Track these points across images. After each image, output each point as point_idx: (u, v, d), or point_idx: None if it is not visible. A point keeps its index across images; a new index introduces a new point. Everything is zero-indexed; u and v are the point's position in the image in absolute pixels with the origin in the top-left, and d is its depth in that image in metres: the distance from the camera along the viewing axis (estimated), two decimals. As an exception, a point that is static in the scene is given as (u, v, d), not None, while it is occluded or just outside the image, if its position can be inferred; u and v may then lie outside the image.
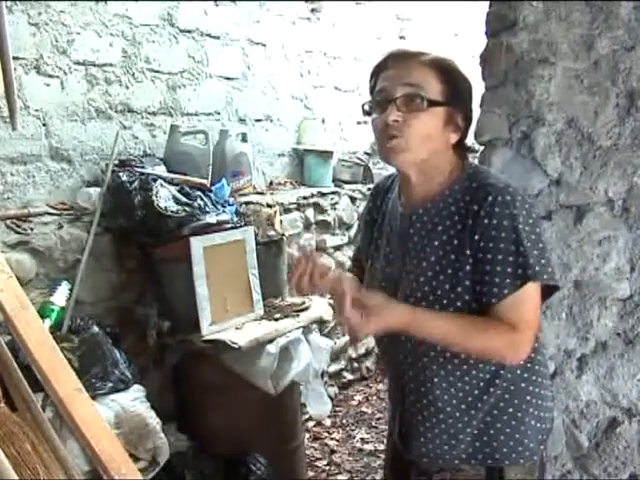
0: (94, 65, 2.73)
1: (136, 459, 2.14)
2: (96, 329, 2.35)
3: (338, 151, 4.07)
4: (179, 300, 2.57)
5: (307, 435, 3.30)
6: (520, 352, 1.36)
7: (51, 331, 2.15)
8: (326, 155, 3.85)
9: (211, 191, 2.77)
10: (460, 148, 1.45)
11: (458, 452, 1.44)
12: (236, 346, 2.39)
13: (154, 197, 2.51)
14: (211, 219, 2.59)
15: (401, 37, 4.64)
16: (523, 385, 1.44)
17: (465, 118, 1.43)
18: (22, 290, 1.96)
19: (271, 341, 2.50)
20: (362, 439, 3.36)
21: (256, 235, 2.72)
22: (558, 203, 1.91)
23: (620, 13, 1.77)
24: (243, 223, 2.74)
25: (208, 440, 2.53)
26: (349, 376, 3.99)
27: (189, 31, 3.15)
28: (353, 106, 4.21)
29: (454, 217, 1.39)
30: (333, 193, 3.84)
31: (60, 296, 2.39)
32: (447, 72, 1.41)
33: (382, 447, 3.13)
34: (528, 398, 1.44)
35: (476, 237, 1.34)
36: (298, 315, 2.69)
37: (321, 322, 2.92)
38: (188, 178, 2.75)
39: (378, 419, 3.58)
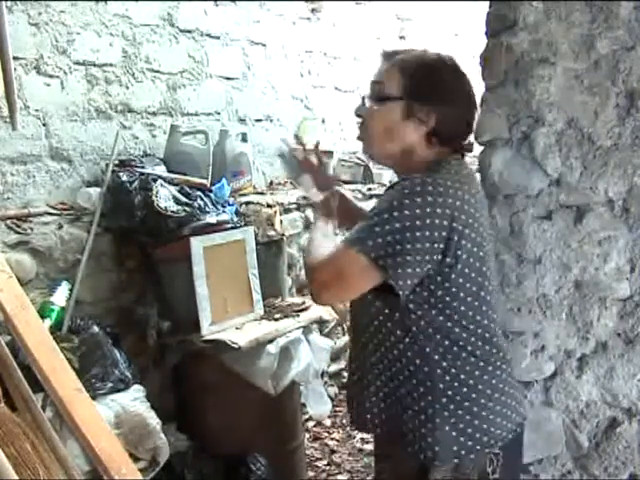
0: (94, 65, 2.73)
1: (136, 459, 2.14)
2: (96, 329, 2.35)
3: (338, 151, 4.07)
4: (179, 300, 2.57)
5: (307, 435, 3.30)
6: (309, 283, 1.46)
7: (51, 331, 2.15)
8: (326, 155, 3.84)
9: (211, 191, 2.77)
10: (438, 140, 1.46)
11: (387, 426, 1.49)
12: (236, 346, 2.39)
13: (154, 197, 2.51)
14: (211, 219, 2.59)
15: (401, 37, 4.64)
16: (441, 387, 1.42)
17: (437, 113, 1.43)
18: (22, 290, 1.97)
19: (271, 341, 2.50)
20: (362, 439, 3.36)
21: (256, 235, 2.72)
22: (558, 203, 1.91)
23: (620, 13, 1.77)
24: (243, 223, 2.74)
25: (208, 440, 2.53)
26: (349, 376, 3.99)
27: (189, 31, 3.15)
28: (353, 106, 4.21)
29: None
30: (333, 193, 3.83)
31: (60, 296, 2.39)
32: (411, 68, 1.45)
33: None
34: (444, 400, 1.42)
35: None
36: (298, 315, 2.69)
37: (321, 322, 2.92)
38: (188, 178, 2.75)
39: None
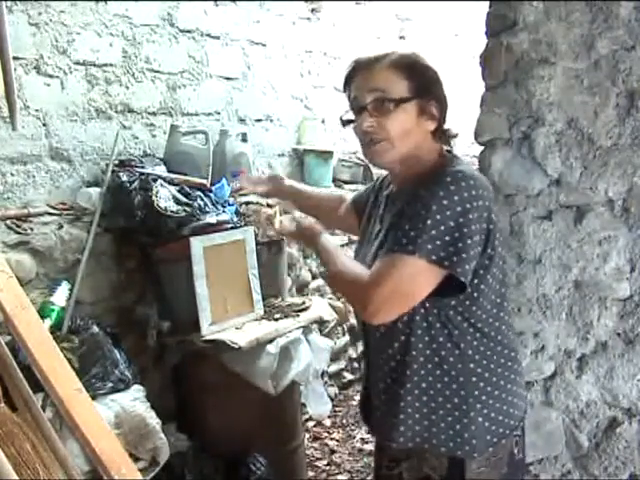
0: (94, 65, 2.73)
1: (136, 459, 2.14)
2: (96, 329, 2.35)
3: (338, 151, 4.07)
4: (179, 300, 2.57)
5: (307, 435, 3.30)
6: (366, 309, 1.37)
7: (51, 331, 2.15)
8: (326, 155, 3.85)
9: (211, 191, 2.77)
10: (439, 133, 1.49)
11: (413, 433, 1.46)
12: (236, 346, 2.39)
13: (154, 197, 2.51)
14: (211, 219, 2.59)
15: (401, 37, 4.64)
16: (474, 379, 1.44)
17: (439, 105, 1.47)
18: (22, 290, 1.96)
19: (271, 341, 2.50)
20: (362, 439, 3.36)
21: (256, 235, 2.71)
22: (558, 203, 1.91)
23: (620, 13, 1.77)
24: (243, 223, 2.74)
25: (208, 440, 2.53)
26: (349, 376, 3.99)
27: (189, 31, 3.15)
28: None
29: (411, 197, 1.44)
30: (333, 193, 3.84)
31: (60, 296, 2.39)
32: (409, 67, 1.46)
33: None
34: (477, 393, 1.44)
35: (406, 207, 1.39)
36: (298, 315, 2.69)
37: (321, 322, 2.92)
38: (188, 178, 2.75)
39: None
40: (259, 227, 2.82)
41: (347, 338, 3.99)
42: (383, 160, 1.48)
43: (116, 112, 2.83)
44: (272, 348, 2.48)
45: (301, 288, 3.64)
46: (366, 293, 1.36)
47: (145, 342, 2.61)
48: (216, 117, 3.34)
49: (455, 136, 1.53)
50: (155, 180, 2.59)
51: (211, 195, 2.74)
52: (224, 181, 2.91)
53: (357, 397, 3.84)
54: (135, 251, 2.65)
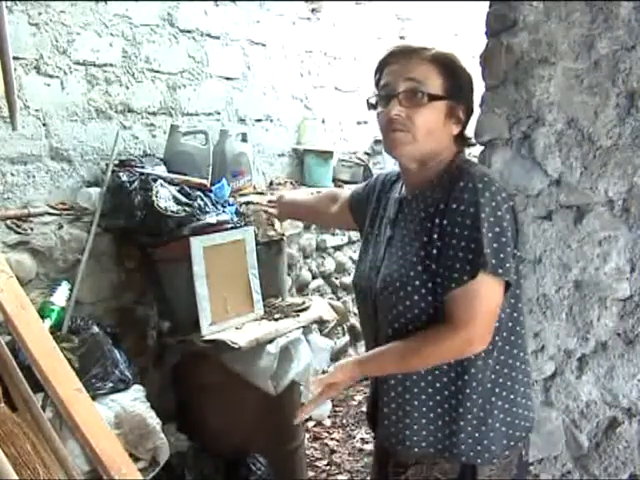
0: (94, 65, 2.73)
1: (136, 459, 2.14)
2: (96, 329, 2.35)
3: (338, 151, 4.07)
4: (179, 300, 2.57)
5: (307, 435, 3.30)
6: (472, 347, 1.37)
7: (51, 331, 2.15)
8: (326, 155, 3.85)
9: (211, 191, 2.77)
10: (460, 139, 1.49)
11: (428, 443, 1.45)
12: (236, 346, 2.39)
13: (154, 197, 2.51)
14: (211, 219, 2.59)
15: (401, 37, 4.64)
16: (490, 386, 1.43)
17: (466, 111, 1.47)
18: (22, 290, 1.96)
19: (271, 341, 2.50)
20: (362, 439, 3.36)
21: (256, 235, 2.71)
22: (558, 203, 1.91)
23: (620, 13, 1.77)
24: (243, 223, 2.74)
25: (208, 440, 2.53)
26: (349, 376, 3.99)
27: (189, 31, 3.15)
28: (353, 106, 4.22)
29: (434, 203, 1.42)
30: (333, 193, 3.84)
31: (60, 296, 2.39)
32: (447, 67, 1.44)
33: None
34: (493, 400, 1.43)
35: (444, 222, 1.37)
36: (298, 315, 2.69)
37: (321, 322, 2.92)
38: (188, 178, 2.75)
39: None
40: (259, 227, 2.82)
41: (347, 338, 3.99)
42: (402, 151, 1.44)
43: (116, 112, 2.83)
44: (272, 348, 2.48)
45: (301, 288, 3.64)
46: (466, 335, 1.35)
47: (145, 342, 2.61)
48: (216, 117, 3.34)
49: (474, 144, 1.53)
50: (155, 180, 2.60)
51: (211, 195, 2.74)
52: (224, 181, 2.91)
53: (357, 397, 3.84)
54: (135, 251, 2.65)
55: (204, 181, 2.80)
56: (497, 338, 1.43)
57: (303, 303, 2.81)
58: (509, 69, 1.92)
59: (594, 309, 1.90)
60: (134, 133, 2.93)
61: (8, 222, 2.35)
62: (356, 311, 3.97)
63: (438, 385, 1.43)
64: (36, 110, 2.53)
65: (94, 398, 2.09)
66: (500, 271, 1.34)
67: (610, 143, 1.82)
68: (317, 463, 3.16)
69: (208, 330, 2.48)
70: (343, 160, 4.08)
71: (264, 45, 3.62)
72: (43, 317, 2.18)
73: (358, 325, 4.01)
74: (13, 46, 1.99)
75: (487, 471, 1.43)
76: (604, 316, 1.89)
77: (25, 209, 2.45)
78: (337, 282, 3.97)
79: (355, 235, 3.87)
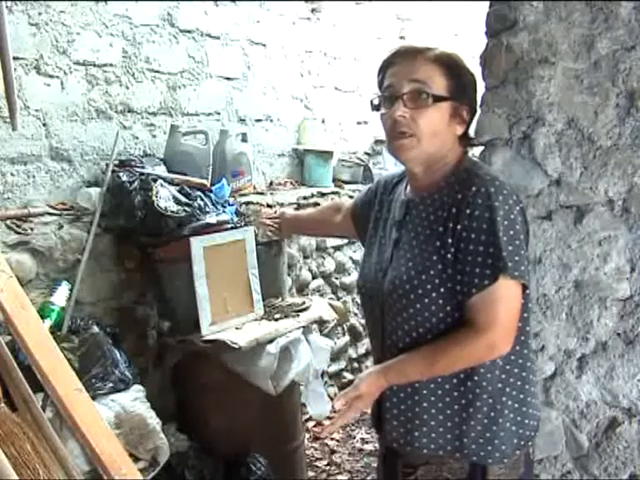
0: (94, 65, 2.73)
1: (136, 459, 2.14)
2: (96, 329, 2.35)
3: (338, 151, 4.07)
4: (179, 300, 2.57)
5: (307, 435, 3.30)
6: (496, 351, 1.38)
7: (51, 331, 2.15)
8: (326, 155, 3.85)
9: (211, 191, 2.77)
10: (464, 139, 1.49)
11: (437, 444, 1.44)
12: (236, 346, 2.39)
13: (154, 197, 2.51)
14: (211, 219, 2.59)
15: (401, 37, 4.64)
16: (500, 386, 1.43)
17: (470, 111, 1.47)
18: (22, 290, 1.96)
19: (271, 341, 2.50)
20: (362, 439, 3.36)
21: (256, 235, 2.71)
22: (558, 203, 1.91)
23: (620, 13, 1.77)
24: (243, 223, 2.74)
25: (208, 440, 2.53)
26: (349, 376, 3.99)
27: (189, 31, 3.15)
28: (353, 106, 4.22)
29: (445, 207, 1.41)
30: (333, 193, 3.84)
31: (60, 296, 2.39)
32: (452, 67, 1.44)
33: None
34: (504, 399, 1.43)
35: (458, 226, 1.37)
36: (298, 315, 2.69)
37: (321, 322, 2.92)
38: (188, 178, 2.75)
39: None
40: (259, 227, 2.82)
41: (347, 338, 3.99)
42: (408, 156, 1.44)
43: (116, 112, 2.83)
44: (272, 348, 2.48)
45: (301, 288, 3.64)
46: (490, 339, 1.35)
47: (145, 342, 2.61)
48: (216, 117, 3.34)
49: (477, 144, 1.53)
50: (155, 180, 2.59)
51: (211, 195, 2.74)
52: (224, 181, 2.91)
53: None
54: (135, 251, 2.65)
55: (204, 181, 2.80)
56: None
57: (303, 303, 2.81)
58: (509, 69, 1.92)
59: (594, 309, 1.90)
60: (134, 133, 2.92)
61: (8, 222, 2.35)
62: (356, 311, 3.99)
63: (448, 387, 1.43)
64: (36, 110, 2.53)
65: (94, 398, 2.09)
66: (517, 274, 1.35)
67: (610, 143, 1.82)
68: (317, 463, 3.16)
69: (208, 330, 2.48)
70: (343, 160, 4.07)
71: (264, 45, 3.62)
72: (43, 317, 2.18)
73: (358, 325, 4.01)
74: (13, 46, 1.99)
75: (497, 470, 1.43)
76: (604, 316, 1.89)
77: (25, 209, 2.45)
78: (337, 282, 3.96)
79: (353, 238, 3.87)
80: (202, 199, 2.65)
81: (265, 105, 3.65)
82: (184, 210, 2.55)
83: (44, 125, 2.56)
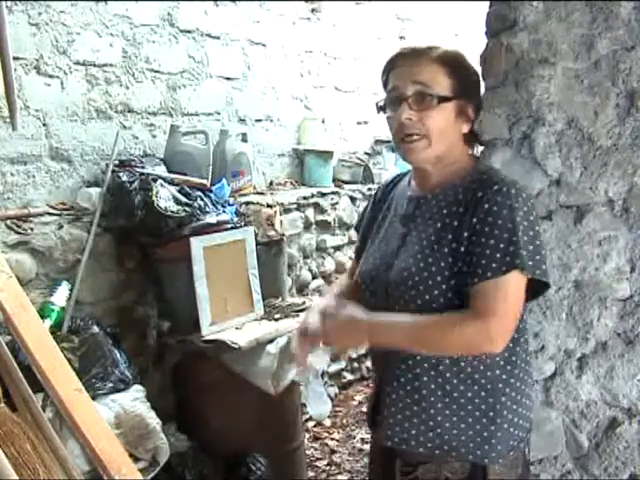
0: (94, 65, 2.73)
1: (136, 459, 2.14)
2: (96, 329, 2.35)
3: (338, 151, 4.07)
4: (179, 300, 2.57)
5: (307, 435, 3.30)
6: (495, 341, 1.35)
7: (51, 331, 2.15)
8: (326, 155, 3.85)
9: (211, 191, 2.77)
10: (469, 137, 1.50)
11: (434, 443, 1.44)
12: (236, 346, 2.39)
13: (154, 197, 2.51)
14: (211, 219, 2.59)
15: (401, 37, 4.64)
16: (500, 386, 1.43)
17: (475, 108, 1.48)
18: (22, 290, 1.97)
19: (271, 341, 2.50)
20: (362, 439, 3.36)
21: (256, 235, 2.72)
22: (558, 203, 1.91)
23: (620, 13, 1.77)
24: (243, 223, 2.74)
25: (208, 440, 2.53)
26: (349, 376, 3.99)
27: (189, 31, 3.15)
28: (353, 106, 4.22)
29: (460, 204, 1.41)
30: (333, 193, 3.85)
31: (60, 296, 2.39)
32: (455, 66, 1.44)
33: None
34: (503, 399, 1.43)
35: (474, 220, 1.37)
36: (298, 315, 2.69)
37: (321, 322, 2.91)
38: (188, 178, 2.75)
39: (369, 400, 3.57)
40: (259, 227, 2.82)
41: (347, 338, 3.98)
42: (418, 158, 1.44)
43: (116, 112, 2.83)
44: (272, 348, 2.49)
45: (301, 288, 3.64)
46: (487, 325, 1.33)
47: (145, 342, 2.61)
48: (216, 117, 3.34)
49: (481, 142, 1.53)
50: (155, 180, 2.60)
51: (211, 195, 2.74)
52: (224, 181, 2.91)
53: (357, 397, 3.85)
54: (135, 251, 2.65)
55: (204, 181, 2.80)
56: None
57: (303, 303, 2.81)
58: (509, 69, 1.92)
59: (594, 309, 1.90)
60: (134, 133, 2.93)
61: (8, 222, 2.35)
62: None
63: (448, 387, 1.42)
64: (36, 110, 2.53)
65: (94, 398, 2.09)
66: (537, 272, 1.36)
67: (610, 143, 1.82)
68: (317, 463, 3.16)
69: (208, 330, 2.48)
70: (343, 160, 4.08)
71: (264, 45, 3.62)
72: (43, 317, 2.18)
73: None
74: (13, 46, 1.99)
75: (496, 470, 1.43)
76: (604, 316, 1.89)
77: (25, 209, 2.45)
78: (337, 282, 3.96)
79: (355, 235, 3.87)
80: (202, 199, 2.65)
81: (265, 105, 3.65)
82: (184, 210, 2.55)
83: (44, 125, 2.57)
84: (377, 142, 4.40)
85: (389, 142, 4.03)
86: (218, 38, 3.32)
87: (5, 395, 1.83)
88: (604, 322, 1.89)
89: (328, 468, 3.13)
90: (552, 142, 1.89)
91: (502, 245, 1.34)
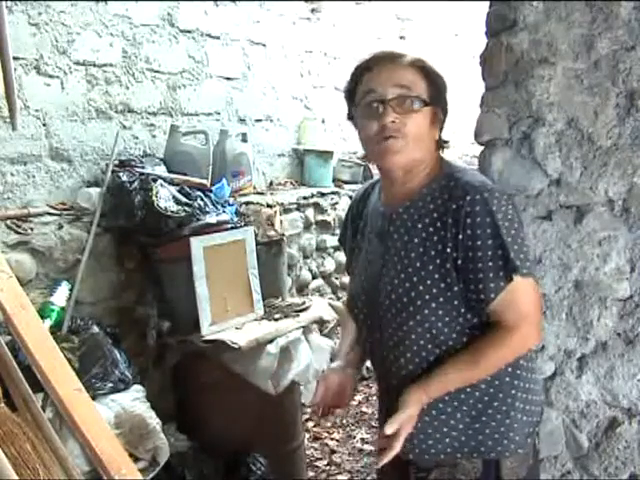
0: (94, 65, 2.73)
1: (136, 459, 2.14)
2: (96, 329, 2.35)
3: (338, 151, 4.07)
4: (179, 300, 2.57)
5: (307, 435, 3.30)
6: (530, 344, 1.44)
7: (51, 331, 2.15)
8: (326, 155, 3.85)
9: (211, 191, 2.77)
10: (440, 142, 1.48)
11: (452, 448, 1.44)
12: (236, 346, 2.39)
13: (154, 197, 2.51)
14: (211, 219, 2.59)
15: (401, 37, 4.65)
16: (508, 379, 1.44)
17: (444, 114, 1.47)
18: (22, 290, 1.96)
19: (271, 341, 2.50)
20: (362, 439, 3.36)
21: (256, 235, 2.72)
22: (558, 203, 1.91)
23: (620, 13, 1.77)
24: (243, 223, 2.74)
25: (208, 440, 2.53)
26: (349, 376, 3.98)
27: (189, 31, 3.15)
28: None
29: (433, 215, 1.40)
30: (333, 193, 3.85)
31: (60, 296, 2.39)
32: (428, 72, 1.44)
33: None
34: (513, 392, 1.44)
35: (460, 236, 1.36)
36: (298, 315, 2.69)
37: (321, 322, 2.92)
38: (188, 178, 2.75)
39: (378, 419, 3.57)
40: (259, 227, 2.82)
41: (347, 338, 3.98)
42: (393, 160, 1.40)
43: (116, 112, 2.83)
44: (272, 348, 2.48)
45: (301, 288, 3.64)
46: (520, 335, 1.39)
47: (145, 342, 2.61)
48: (216, 117, 3.34)
49: (448, 147, 1.52)
50: (155, 180, 2.60)
51: (211, 195, 2.74)
52: (224, 181, 2.91)
53: (357, 397, 3.84)
54: (135, 251, 2.65)
55: (204, 181, 2.80)
56: None
57: (303, 303, 2.81)
58: (509, 69, 1.92)
59: (594, 309, 1.90)
60: (134, 133, 2.93)
61: (8, 222, 2.36)
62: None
63: (454, 391, 1.42)
64: (36, 110, 2.53)
65: (94, 398, 2.09)
66: (525, 271, 1.37)
67: (610, 143, 1.82)
68: (317, 463, 3.16)
69: (208, 330, 2.48)
70: (343, 160, 4.08)
71: (264, 45, 3.62)
72: (43, 317, 2.18)
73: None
74: (13, 46, 1.99)
75: (509, 464, 1.44)
76: (604, 316, 1.89)
77: (25, 209, 2.45)
78: (337, 282, 3.96)
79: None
80: (202, 199, 2.65)
81: (265, 105, 3.65)
82: (184, 210, 2.55)
83: (44, 125, 2.57)
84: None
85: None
86: (218, 38, 3.32)
87: (5, 395, 1.83)
88: (604, 322, 1.89)
89: (328, 468, 3.13)
90: (552, 142, 1.89)
91: (495, 255, 1.35)
